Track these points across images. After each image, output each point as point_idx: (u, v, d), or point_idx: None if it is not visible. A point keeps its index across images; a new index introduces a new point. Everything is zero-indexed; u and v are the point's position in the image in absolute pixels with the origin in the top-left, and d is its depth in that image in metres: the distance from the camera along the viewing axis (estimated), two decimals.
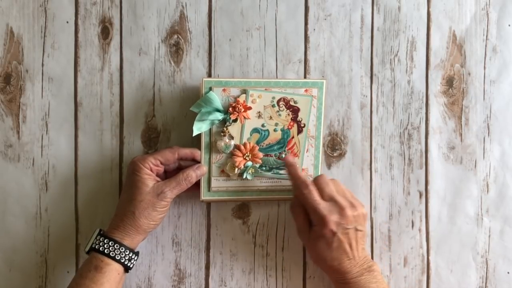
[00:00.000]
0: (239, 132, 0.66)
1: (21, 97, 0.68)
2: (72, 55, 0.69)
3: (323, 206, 0.61)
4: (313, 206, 0.61)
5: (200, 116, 0.64)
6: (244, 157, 0.66)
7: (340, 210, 0.61)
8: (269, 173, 0.67)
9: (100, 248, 0.61)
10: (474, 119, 0.72)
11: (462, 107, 0.72)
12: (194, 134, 0.64)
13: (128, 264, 0.62)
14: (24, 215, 0.69)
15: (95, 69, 0.69)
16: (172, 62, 0.69)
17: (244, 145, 0.66)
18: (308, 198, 0.62)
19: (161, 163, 0.63)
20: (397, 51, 0.71)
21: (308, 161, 0.68)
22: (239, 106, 0.65)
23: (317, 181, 0.64)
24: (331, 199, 0.62)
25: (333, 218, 0.61)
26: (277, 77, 0.70)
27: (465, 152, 0.72)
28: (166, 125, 0.69)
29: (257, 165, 0.66)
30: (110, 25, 0.69)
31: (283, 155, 0.67)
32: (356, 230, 0.62)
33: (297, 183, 0.63)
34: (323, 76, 0.70)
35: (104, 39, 0.69)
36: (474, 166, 0.72)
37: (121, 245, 0.61)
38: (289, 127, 0.67)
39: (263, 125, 0.66)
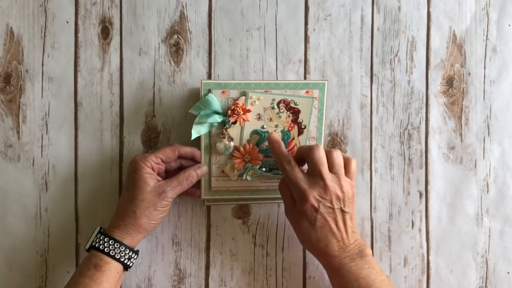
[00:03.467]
0: (239, 134, 0.66)
1: (21, 97, 0.68)
2: (72, 55, 0.69)
3: (304, 181, 0.59)
4: (294, 181, 0.59)
5: (199, 119, 0.64)
6: (244, 158, 0.66)
7: (324, 186, 0.58)
8: (269, 174, 0.67)
9: (100, 247, 0.61)
10: (474, 119, 0.72)
11: (462, 107, 0.72)
12: (193, 137, 0.64)
13: (128, 263, 0.62)
14: (24, 215, 0.69)
15: (95, 69, 0.69)
16: (172, 62, 0.69)
17: (244, 146, 0.66)
18: (290, 174, 0.60)
19: (162, 161, 0.63)
20: (397, 51, 0.71)
21: None
22: (238, 108, 0.64)
23: (311, 155, 0.60)
24: (318, 174, 0.59)
25: (314, 193, 0.58)
26: (277, 77, 0.70)
27: (465, 152, 0.72)
28: (166, 125, 0.69)
29: (257, 166, 0.66)
30: (110, 25, 0.69)
31: None
32: (342, 211, 0.59)
33: (280, 160, 0.61)
34: (323, 76, 0.70)
35: (104, 39, 0.69)
36: (474, 166, 0.72)
37: (121, 244, 0.61)
38: (290, 128, 0.67)
39: (263, 127, 0.66)
